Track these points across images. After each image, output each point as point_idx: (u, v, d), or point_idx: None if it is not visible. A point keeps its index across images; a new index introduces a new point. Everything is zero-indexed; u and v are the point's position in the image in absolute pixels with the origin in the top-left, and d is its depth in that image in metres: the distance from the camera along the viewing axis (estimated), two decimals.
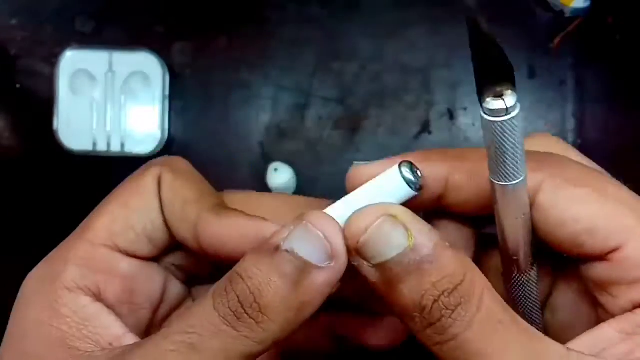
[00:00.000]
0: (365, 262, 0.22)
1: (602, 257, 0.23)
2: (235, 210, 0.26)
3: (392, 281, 0.22)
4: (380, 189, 0.24)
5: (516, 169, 0.21)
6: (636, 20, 0.58)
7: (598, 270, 0.24)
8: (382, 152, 0.59)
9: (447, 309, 0.21)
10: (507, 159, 0.21)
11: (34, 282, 0.25)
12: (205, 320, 0.21)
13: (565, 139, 0.58)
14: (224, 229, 0.24)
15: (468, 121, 0.59)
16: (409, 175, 0.23)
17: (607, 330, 0.23)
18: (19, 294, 0.26)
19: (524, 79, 0.59)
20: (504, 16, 0.59)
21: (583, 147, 0.58)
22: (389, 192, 0.24)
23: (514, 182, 0.21)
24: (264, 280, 0.21)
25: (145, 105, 0.58)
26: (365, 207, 0.23)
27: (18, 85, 0.60)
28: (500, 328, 0.21)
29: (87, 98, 0.58)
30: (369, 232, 0.22)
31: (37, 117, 0.59)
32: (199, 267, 0.29)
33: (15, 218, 0.60)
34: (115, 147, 0.58)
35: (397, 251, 0.21)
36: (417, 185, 0.24)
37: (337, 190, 0.63)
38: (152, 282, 0.28)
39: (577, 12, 0.57)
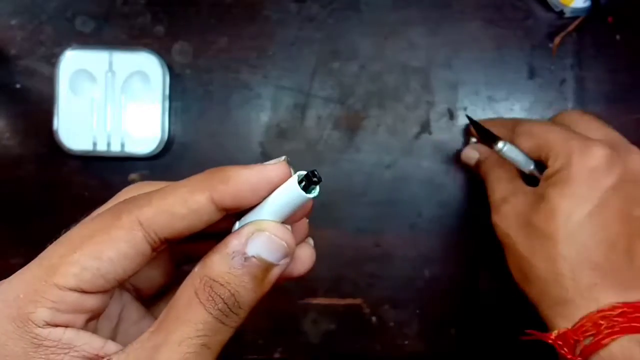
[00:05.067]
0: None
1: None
2: (225, 169, 0.29)
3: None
4: (285, 195, 0.29)
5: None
6: (636, 20, 0.58)
7: None
8: (382, 152, 0.59)
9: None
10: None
11: (1, 322, 0.26)
12: (205, 323, 0.27)
13: None
14: (240, 185, 0.28)
15: (468, 121, 0.59)
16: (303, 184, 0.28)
17: None
18: None
19: (524, 79, 0.59)
20: (504, 16, 0.59)
21: None
22: (290, 197, 0.29)
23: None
24: (240, 283, 0.27)
25: (145, 105, 0.58)
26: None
27: (18, 85, 0.60)
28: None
29: (87, 98, 0.58)
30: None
31: (37, 117, 0.59)
32: (148, 284, 0.34)
33: (15, 218, 0.60)
34: (115, 147, 0.58)
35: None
36: (311, 190, 0.28)
37: (337, 191, 0.63)
38: (115, 303, 0.32)
39: (577, 12, 0.57)
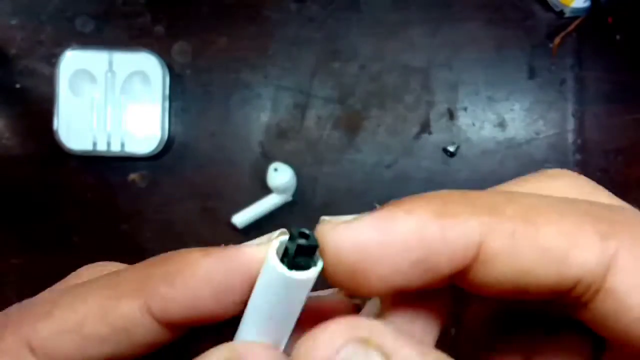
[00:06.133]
0: None
1: None
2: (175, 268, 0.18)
3: None
4: (267, 288, 0.16)
5: None
6: (636, 20, 0.58)
7: None
8: (382, 152, 0.59)
9: None
10: None
11: None
12: None
13: (565, 139, 0.58)
14: (194, 288, 0.17)
15: (468, 121, 0.59)
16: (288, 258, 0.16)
17: None
18: None
19: (524, 79, 0.59)
20: (504, 16, 0.59)
21: (583, 147, 0.58)
22: (276, 289, 0.16)
23: None
24: None
25: (145, 105, 0.58)
26: (318, 331, 0.15)
27: (18, 85, 0.60)
28: None
29: (87, 98, 0.58)
30: None
31: (37, 117, 0.59)
32: None
33: (16, 218, 0.60)
34: (115, 147, 0.58)
35: None
36: (310, 264, 0.16)
37: (337, 191, 0.64)
38: None
39: (577, 12, 0.57)
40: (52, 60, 0.59)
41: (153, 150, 0.58)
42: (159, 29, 0.60)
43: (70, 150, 0.58)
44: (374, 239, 0.15)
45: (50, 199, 0.60)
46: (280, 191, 0.56)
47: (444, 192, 0.16)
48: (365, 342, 0.14)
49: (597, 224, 0.15)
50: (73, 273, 0.21)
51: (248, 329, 0.17)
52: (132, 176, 0.60)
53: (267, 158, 0.58)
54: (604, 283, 0.15)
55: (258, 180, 0.57)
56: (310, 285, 0.16)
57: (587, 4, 0.57)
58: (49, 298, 0.18)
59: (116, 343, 0.17)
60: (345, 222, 0.15)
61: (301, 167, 0.58)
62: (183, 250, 0.17)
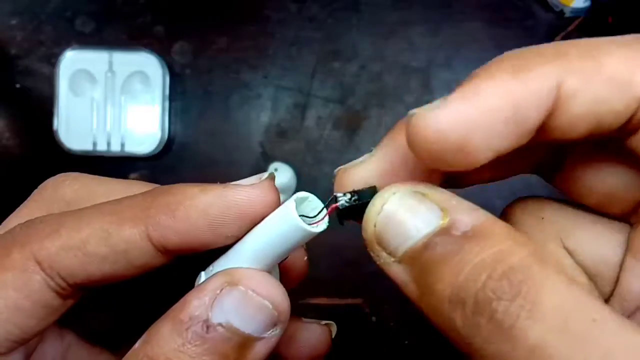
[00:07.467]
0: (390, 259, 0.17)
1: None
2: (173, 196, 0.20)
3: (424, 272, 0.16)
4: (276, 230, 0.19)
5: None
6: (636, 20, 0.58)
7: None
8: None
9: (501, 299, 0.15)
10: None
11: None
12: None
13: None
14: (193, 219, 0.19)
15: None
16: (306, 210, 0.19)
17: None
18: None
19: None
20: (504, 16, 0.59)
21: None
22: (285, 234, 0.19)
23: None
24: None
25: (145, 105, 0.58)
26: (388, 187, 0.18)
27: (18, 85, 0.60)
28: (594, 329, 0.14)
29: (87, 98, 0.58)
30: (385, 210, 0.17)
31: (37, 117, 0.59)
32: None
33: None
34: (115, 147, 0.58)
35: (428, 229, 0.16)
36: (319, 220, 0.19)
37: None
38: (51, 347, 0.23)
39: (577, 12, 0.57)
40: (52, 60, 0.59)
41: (153, 150, 0.58)
42: (159, 29, 0.60)
43: (70, 150, 0.58)
44: (468, 111, 0.16)
45: None
46: (280, 191, 0.56)
47: (509, 54, 0.17)
48: (422, 195, 0.17)
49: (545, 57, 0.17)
50: (40, 187, 0.23)
51: (242, 258, 0.19)
52: (132, 176, 0.60)
53: (267, 158, 0.58)
54: (559, 94, 0.17)
55: None
56: (306, 239, 0.19)
57: (587, 4, 0.57)
58: (54, 219, 0.20)
59: (115, 263, 0.19)
60: (436, 106, 0.17)
61: (301, 167, 0.58)
62: (181, 185, 0.20)
